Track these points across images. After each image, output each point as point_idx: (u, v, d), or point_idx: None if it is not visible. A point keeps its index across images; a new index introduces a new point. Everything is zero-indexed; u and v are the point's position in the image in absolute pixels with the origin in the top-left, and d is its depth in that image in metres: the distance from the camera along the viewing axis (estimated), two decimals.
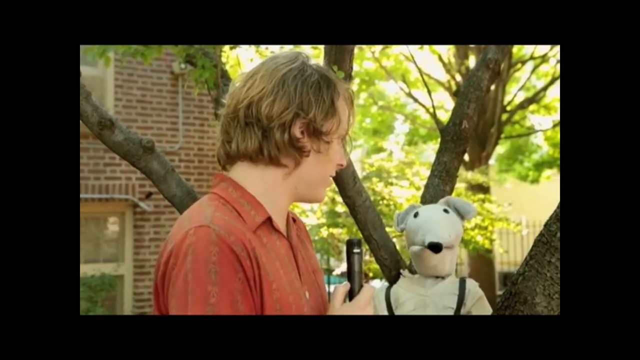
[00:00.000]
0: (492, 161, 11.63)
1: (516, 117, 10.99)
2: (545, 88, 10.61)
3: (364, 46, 9.58)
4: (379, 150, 11.35)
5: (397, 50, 10.16)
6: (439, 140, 2.15)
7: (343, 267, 6.79)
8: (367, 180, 6.36)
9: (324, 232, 6.27)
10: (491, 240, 6.89)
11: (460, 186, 7.03)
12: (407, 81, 10.56)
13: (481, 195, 7.21)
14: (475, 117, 2.09)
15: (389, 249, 1.94)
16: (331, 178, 1.27)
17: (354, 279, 1.20)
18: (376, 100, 11.90)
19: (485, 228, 6.70)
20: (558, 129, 11.12)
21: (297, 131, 1.18)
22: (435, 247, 1.75)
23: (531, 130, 12.10)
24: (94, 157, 6.21)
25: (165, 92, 6.77)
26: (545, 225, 1.59)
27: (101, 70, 6.39)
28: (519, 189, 13.33)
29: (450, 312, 1.80)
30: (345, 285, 1.19)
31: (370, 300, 1.18)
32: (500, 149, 13.29)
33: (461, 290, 1.83)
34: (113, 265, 6.30)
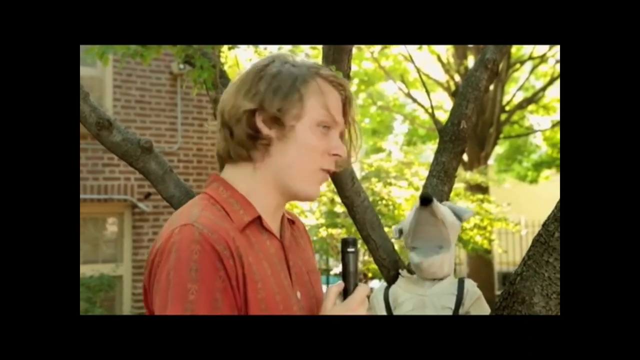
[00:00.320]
0: (491, 161, 11.64)
1: (515, 117, 11.01)
2: (544, 88, 10.62)
3: (362, 46, 9.59)
4: (378, 150, 11.36)
5: (396, 50, 10.16)
6: (437, 140, 2.15)
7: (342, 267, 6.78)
8: (366, 181, 6.36)
9: (323, 232, 6.27)
10: (490, 241, 6.89)
11: (459, 186, 7.04)
12: (406, 81, 10.56)
13: (480, 195, 7.21)
14: (474, 117, 2.09)
15: (387, 249, 1.94)
16: (324, 174, 1.22)
17: (349, 279, 1.19)
18: (375, 101, 11.91)
19: (484, 228, 6.70)
20: (557, 129, 11.14)
21: (257, 123, 1.19)
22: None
23: (530, 130, 12.12)
24: (92, 157, 6.21)
25: (164, 92, 6.77)
26: (543, 225, 1.59)
27: (100, 71, 6.39)
28: (517, 189, 13.33)
29: (449, 312, 1.80)
30: (338, 285, 1.19)
31: (364, 300, 1.17)
32: (499, 149, 13.30)
33: (460, 291, 1.83)
34: (112, 266, 6.30)
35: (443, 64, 10.26)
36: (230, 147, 1.22)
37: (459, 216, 1.88)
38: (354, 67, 10.22)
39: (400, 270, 1.93)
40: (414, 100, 10.56)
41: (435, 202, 1.76)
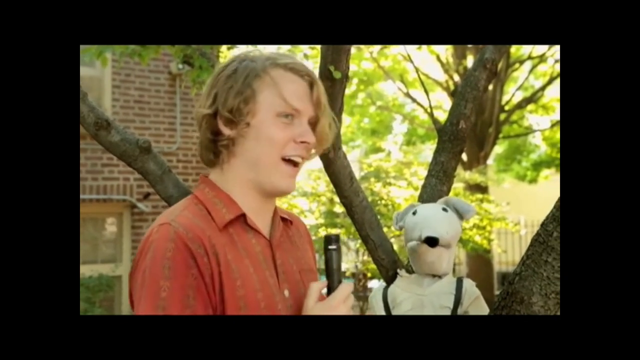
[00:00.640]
0: (490, 161, 11.65)
1: (514, 116, 11.01)
2: (543, 88, 10.63)
3: (362, 46, 9.59)
4: (377, 150, 11.36)
5: (396, 50, 10.17)
6: (437, 140, 2.15)
7: (342, 266, 6.78)
8: (365, 181, 6.36)
9: (322, 232, 6.27)
10: (489, 240, 6.90)
11: (458, 186, 7.04)
12: (405, 81, 10.56)
13: (479, 195, 7.21)
14: (473, 117, 2.08)
15: (386, 249, 1.94)
16: (290, 164, 1.23)
17: (332, 276, 1.19)
18: (374, 101, 11.91)
19: (484, 228, 6.70)
20: (556, 128, 11.14)
21: (218, 125, 1.21)
22: (432, 241, 1.75)
23: (529, 130, 12.12)
24: (91, 157, 6.20)
25: (163, 92, 6.77)
26: (542, 225, 1.59)
27: (99, 71, 6.38)
28: (517, 189, 13.34)
29: (447, 312, 1.80)
30: (321, 283, 1.19)
31: (347, 298, 1.17)
32: (499, 148, 13.31)
33: (458, 290, 1.83)
34: (111, 266, 6.30)
35: (442, 64, 10.27)
36: (201, 148, 1.26)
37: (462, 215, 1.88)
38: (353, 67, 10.22)
39: (398, 270, 1.93)
40: (413, 100, 10.56)
41: (441, 239, 1.77)
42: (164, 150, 6.52)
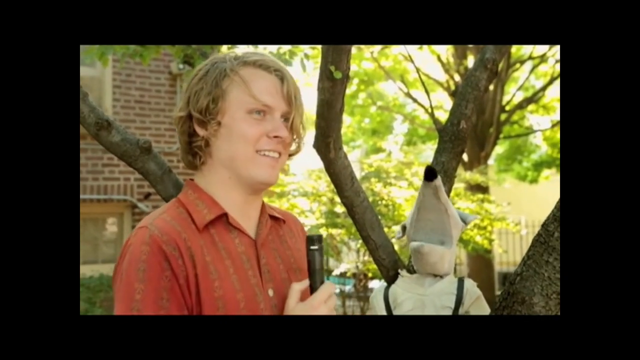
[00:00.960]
0: (491, 161, 11.64)
1: (515, 117, 11.00)
2: (544, 88, 10.62)
3: (362, 46, 9.58)
4: (378, 150, 11.35)
5: (396, 50, 10.16)
6: (437, 140, 2.14)
7: (342, 267, 6.78)
8: (366, 181, 6.35)
9: (323, 232, 6.27)
10: (490, 241, 6.89)
11: (459, 186, 7.03)
12: (405, 81, 10.56)
13: (480, 195, 7.20)
14: (474, 117, 2.08)
15: (387, 249, 1.94)
16: (266, 157, 1.24)
17: (314, 276, 1.19)
18: (375, 101, 11.91)
19: (484, 228, 6.69)
20: (557, 128, 11.13)
21: (194, 127, 1.25)
22: (430, 172, 1.70)
23: (530, 130, 12.11)
24: (92, 157, 6.21)
25: (164, 92, 6.77)
26: (543, 225, 1.59)
27: (99, 71, 6.38)
28: (517, 189, 13.34)
29: (449, 312, 1.79)
30: (302, 284, 1.20)
31: (329, 298, 1.17)
32: (499, 149, 13.30)
33: (459, 290, 1.83)
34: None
35: (443, 64, 10.26)
36: (181, 154, 1.31)
37: (463, 219, 1.87)
38: (354, 67, 10.22)
39: (399, 270, 1.93)
40: (414, 100, 10.56)
41: (440, 182, 1.73)
42: (165, 150, 6.52)
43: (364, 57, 10.55)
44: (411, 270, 1.91)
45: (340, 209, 6.21)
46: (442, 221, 1.79)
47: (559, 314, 1.55)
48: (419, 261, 1.84)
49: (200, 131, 1.24)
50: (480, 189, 8.24)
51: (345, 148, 1.77)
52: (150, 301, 1.09)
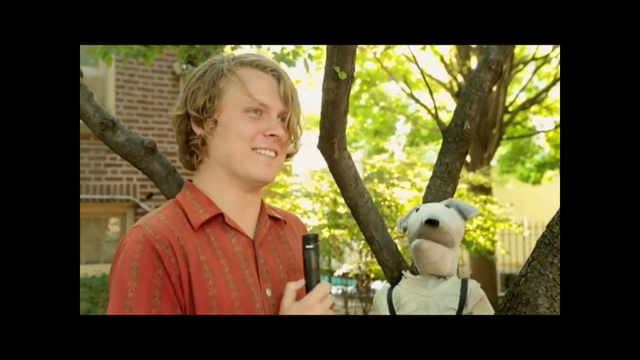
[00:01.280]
0: (493, 162, 11.62)
1: (518, 118, 10.99)
2: (547, 89, 10.60)
3: (365, 47, 9.58)
4: (381, 151, 11.35)
5: (399, 51, 10.16)
6: (440, 141, 2.14)
7: (345, 268, 6.78)
8: (369, 181, 6.35)
9: (326, 233, 6.26)
10: (493, 242, 6.88)
11: (461, 187, 7.02)
12: (408, 82, 10.55)
13: (483, 196, 7.19)
14: (477, 118, 2.08)
15: (391, 250, 1.93)
16: (262, 155, 1.25)
17: (310, 276, 1.19)
18: (377, 101, 11.90)
19: (487, 229, 6.68)
20: (560, 130, 11.09)
21: (191, 126, 1.26)
22: (432, 222, 1.73)
23: (533, 131, 12.09)
24: (95, 157, 6.21)
25: (166, 92, 6.78)
26: (548, 226, 1.59)
27: (102, 71, 6.39)
28: (520, 190, 13.32)
29: (452, 313, 1.79)
30: (297, 283, 1.20)
31: (324, 298, 1.18)
32: (502, 150, 13.28)
33: (463, 291, 1.82)
34: None
35: (446, 65, 10.25)
36: (179, 154, 1.32)
37: (465, 215, 1.87)
38: (357, 67, 10.19)
39: (403, 272, 1.92)
40: (417, 101, 10.55)
41: (442, 222, 1.75)
42: (167, 150, 6.52)
43: (367, 58, 10.55)
44: (415, 272, 1.91)
45: (342, 209, 6.21)
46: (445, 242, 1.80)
47: None
48: (420, 260, 1.83)
49: (197, 130, 1.26)
50: (483, 190, 8.23)
51: (348, 149, 1.77)
52: (143, 299, 1.10)
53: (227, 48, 3.18)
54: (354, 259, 6.88)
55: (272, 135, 1.24)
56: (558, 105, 11.22)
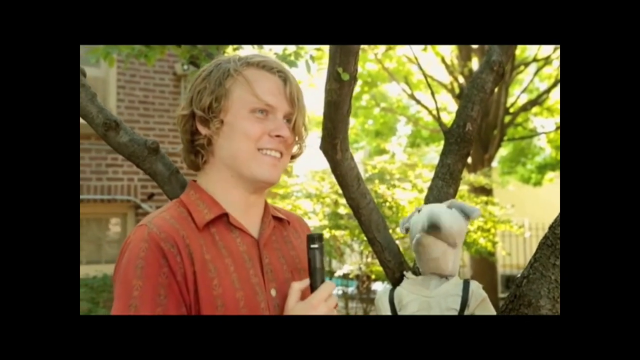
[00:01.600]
0: (494, 163, 11.62)
1: (519, 119, 10.98)
2: (548, 90, 10.59)
3: (366, 48, 9.58)
4: (381, 152, 11.35)
5: (400, 52, 10.16)
6: (441, 142, 2.14)
7: (345, 269, 6.78)
8: (370, 182, 6.34)
9: (326, 234, 6.26)
10: (494, 243, 6.87)
11: (462, 188, 7.02)
12: (409, 83, 10.55)
13: (484, 198, 7.19)
14: (479, 120, 2.08)
15: (392, 251, 1.93)
16: (267, 155, 1.25)
17: (315, 275, 1.19)
18: (378, 102, 11.90)
19: (488, 230, 6.68)
20: None
21: (196, 126, 1.26)
22: (434, 227, 1.73)
23: (534, 133, 12.08)
24: (96, 158, 6.21)
25: (168, 93, 6.78)
26: (550, 228, 1.59)
27: (104, 72, 6.39)
28: (521, 192, 13.32)
29: (454, 314, 1.79)
30: (302, 283, 1.20)
31: (329, 297, 1.18)
32: (503, 151, 13.27)
33: (465, 292, 1.82)
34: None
35: (447, 66, 10.25)
36: (184, 154, 1.32)
37: (467, 215, 1.87)
38: (358, 68, 10.18)
39: (405, 272, 1.92)
40: (418, 102, 10.55)
41: (444, 227, 1.75)
42: (169, 150, 6.53)
43: (368, 59, 10.55)
44: (417, 272, 1.91)
45: (343, 210, 6.20)
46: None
47: None
48: (421, 256, 1.83)
49: (203, 130, 1.26)
50: (484, 191, 8.23)
51: (350, 150, 1.77)
52: (148, 298, 1.10)
53: (229, 48, 3.18)
54: (354, 259, 6.87)
55: (277, 136, 1.24)
56: (559, 106, 11.21)
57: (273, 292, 1.23)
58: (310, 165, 7.23)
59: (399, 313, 1.85)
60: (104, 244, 6.68)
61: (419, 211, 1.85)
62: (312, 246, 1.20)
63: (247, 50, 3.15)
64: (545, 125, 12.42)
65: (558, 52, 9.69)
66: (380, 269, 2.01)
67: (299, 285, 1.19)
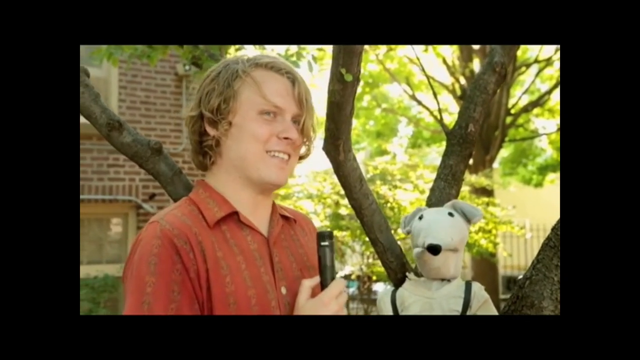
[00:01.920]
0: (496, 164, 11.62)
1: (520, 120, 10.98)
2: (549, 91, 10.59)
3: (368, 49, 9.58)
4: (383, 152, 11.36)
5: (402, 52, 10.15)
6: (442, 142, 2.14)
7: (347, 269, 6.78)
8: (371, 183, 6.34)
9: None
10: (495, 244, 6.87)
11: (464, 189, 7.01)
12: (410, 84, 10.55)
13: (485, 199, 7.19)
14: (481, 121, 2.08)
15: (394, 252, 1.93)
16: (275, 157, 1.25)
17: (325, 273, 1.19)
18: (380, 103, 11.90)
19: (489, 231, 6.67)
20: None
21: (204, 127, 1.26)
22: (434, 249, 1.75)
23: (535, 134, 12.08)
24: (97, 158, 6.21)
25: (169, 93, 6.78)
26: (553, 229, 1.59)
27: (105, 72, 6.39)
28: (522, 193, 13.31)
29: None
30: (312, 280, 1.20)
31: (339, 294, 1.17)
32: (504, 152, 13.27)
33: (467, 293, 1.82)
34: (116, 267, 6.30)
35: (448, 67, 10.24)
36: (192, 155, 1.32)
37: (469, 219, 1.87)
38: None
39: (407, 273, 1.92)
40: (419, 103, 10.55)
41: (444, 246, 1.75)
42: (170, 151, 6.53)
43: (369, 60, 10.55)
44: (419, 274, 1.91)
45: (344, 211, 6.20)
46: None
47: None
48: (423, 266, 1.84)
49: (211, 131, 1.25)
50: (485, 192, 8.23)
51: (352, 150, 1.77)
52: (161, 294, 1.09)
53: (232, 49, 3.18)
54: (355, 260, 6.88)
55: (286, 138, 1.24)
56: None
57: (283, 290, 1.23)
58: (312, 166, 7.23)
59: (401, 314, 1.85)
60: (105, 244, 6.67)
61: (420, 218, 1.85)
62: (323, 244, 1.20)
63: (249, 51, 3.15)
64: (547, 126, 12.42)
65: (559, 53, 9.68)
66: (382, 269, 2.01)
67: (309, 283, 1.19)
